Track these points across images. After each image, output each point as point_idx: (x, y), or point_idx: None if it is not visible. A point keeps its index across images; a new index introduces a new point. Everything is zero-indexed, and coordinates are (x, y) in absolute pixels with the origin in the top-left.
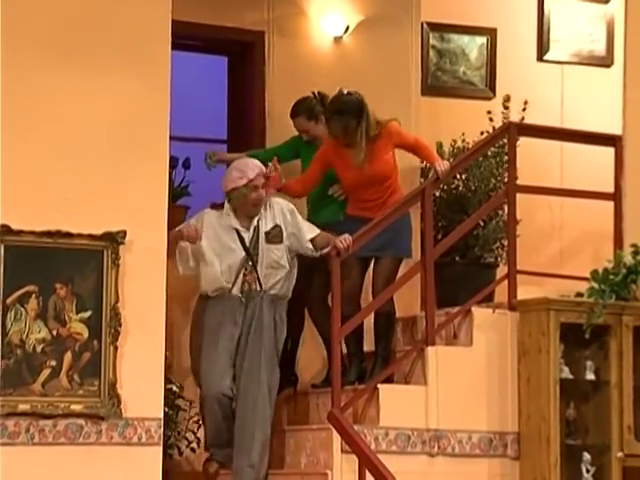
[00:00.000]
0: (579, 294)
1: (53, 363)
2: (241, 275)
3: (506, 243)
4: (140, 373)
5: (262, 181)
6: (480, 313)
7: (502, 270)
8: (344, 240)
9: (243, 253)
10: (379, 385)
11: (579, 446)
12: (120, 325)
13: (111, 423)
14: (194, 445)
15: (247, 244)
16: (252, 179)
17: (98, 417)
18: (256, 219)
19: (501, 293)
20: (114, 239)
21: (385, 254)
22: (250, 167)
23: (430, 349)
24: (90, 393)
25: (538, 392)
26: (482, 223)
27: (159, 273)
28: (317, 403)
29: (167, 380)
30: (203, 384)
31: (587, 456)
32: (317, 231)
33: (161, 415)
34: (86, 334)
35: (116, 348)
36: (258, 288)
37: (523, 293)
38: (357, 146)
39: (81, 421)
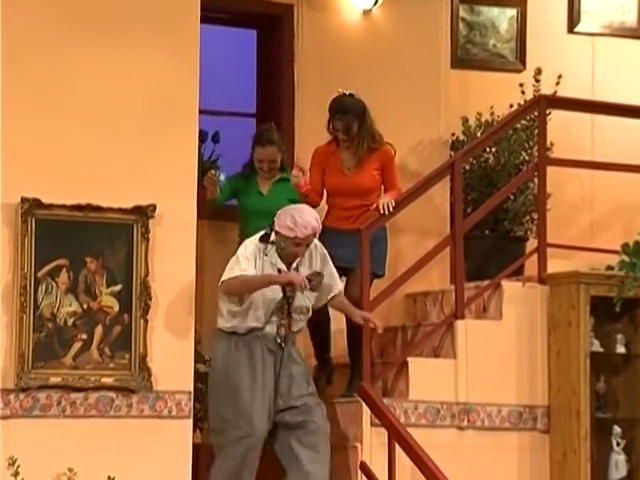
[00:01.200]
0: (609, 267)
1: (84, 336)
2: (275, 317)
3: (536, 216)
4: (170, 346)
5: (310, 241)
6: (510, 287)
7: (532, 243)
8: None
9: (280, 294)
10: (409, 358)
11: (609, 419)
12: (150, 299)
13: (142, 396)
14: None
15: (286, 287)
16: (301, 239)
17: (129, 390)
18: (295, 262)
19: (531, 266)
20: (144, 213)
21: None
22: (304, 226)
23: (459, 323)
24: (121, 366)
25: (568, 365)
26: (512, 196)
27: (189, 247)
28: (346, 377)
29: (197, 353)
30: (234, 427)
31: (617, 429)
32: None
33: (191, 388)
34: (116, 307)
35: (146, 321)
36: (287, 331)
37: (553, 266)
38: (353, 149)
39: (112, 394)
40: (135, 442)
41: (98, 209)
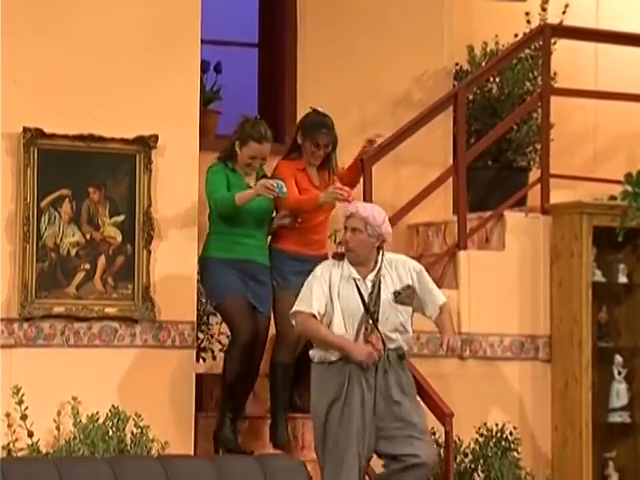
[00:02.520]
0: (612, 197)
1: (87, 266)
2: (362, 335)
3: (539, 147)
4: (173, 277)
5: (354, 225)
6: (512, 217)
7: (535, 174)
8: None
9: (362, 310)
10: None
11: (611, 348)
12: (153, 229)
13: (145, 326)
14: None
15: (366, 299)
16: (345, 217)
17: (132, 320)
18: (374, 273)
19: (534, 197)
20: (146, 143)
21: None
22: (348, 206)
23: (462, 253)
24: (124, 296)
25: (570, 295)
26: (515, 127)
27: (191, 177)
28: None
29: (200, 284)
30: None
31: (619, 358)
32: (443, 298)
33: (194, 318)
34: (119, 238)
35: (149, 252)
36: (381, 346)
37: (556, 197)
38: (321, 168)
39: (115, 324)
40: (139, 372)
41: (100, 139)
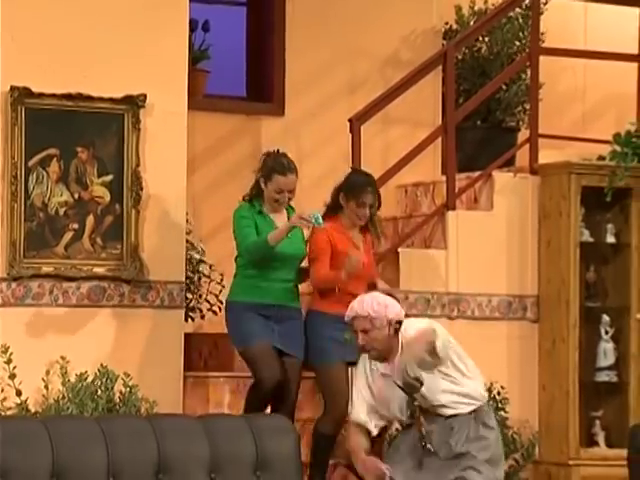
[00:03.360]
0: (601, 157)
1: (75, 226)
2: (409, 413)
3: (528, 107)
4: (162, 237)
5: (362, 326)
6: (501, 177)
7: (524, 134)
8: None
9: (403, 395)
10: (399, 249)
11: (598, 308)
12: (142, 189)
13: (134, 286)
14: (215, 309)
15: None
16: (350, 320)
17: (121, 280)
18: (396, 360)
19: (522, 157)
20: (134, 102)
21: None
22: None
23: (451, 213)
24: (113, 256)
25: (558, 255)
26: (504, 86)
27: (180, 137)
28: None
29: (189, 244)
30: None
31: (606, 318)
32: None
33: (183, 278)
34: (108, 198)
35: (138, 212)
36: (423, 429)
37: (545, 157)
38: (367, 228)
39: (104, 284)
40: (127, 331)
41: (88, 98)
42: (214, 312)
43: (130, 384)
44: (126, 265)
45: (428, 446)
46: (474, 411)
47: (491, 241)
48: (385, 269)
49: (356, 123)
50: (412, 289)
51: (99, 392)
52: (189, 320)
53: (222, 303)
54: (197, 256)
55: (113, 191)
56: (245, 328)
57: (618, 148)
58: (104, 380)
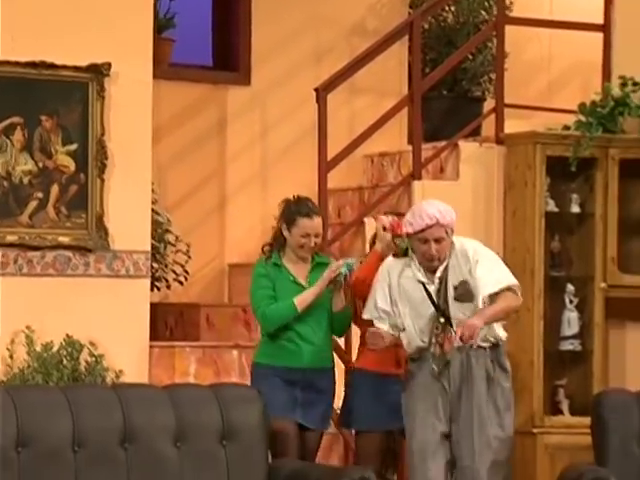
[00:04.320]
0: (566, 127)
1: (40, 195)
2: (433, 334)
3: (494, 76)
4: (127, 206)
5: (438, 235)
6: (467, 147)
7: (490, 104)
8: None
9: (431, 309)
10: (365, 219)
11: (563, 277)
12: (106, 158)
13: (99, 255)
14: (181, 279)
15: (435, 298)
16: (420, 231)
17: (86, 249)
18: (442, 268)
19: (488, 127)
20: (99, 71)
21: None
22: (419, 215)
23: (417, 183)
24: (77, 225)
25: (523, 225)
26: (470, 56)
27: (145, 106)
28: None
29: (154, 213)
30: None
31: (570, 287)
32: (502, 284)
33: (149, 248)
34: (72, 167)
35: (103, 181)
36: (448, 347)
37: (510, 127)
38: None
39: (69, 253)
40: (93, 301)
41: (52, 67)
42: (180, 282)
43: (96, 354)
44: (91, 234)
45: (444, 384)
46: (492, 348)
47: (457, 211)
48: (351, 239)
49: (322, 92)
50: None
51: (64, 362)
52: (155, 290)
53: (188, 273)
54: (162, 222)
55: (78, 160)
56: (266, 398)
57: (583, 118)
58: (69, 350)
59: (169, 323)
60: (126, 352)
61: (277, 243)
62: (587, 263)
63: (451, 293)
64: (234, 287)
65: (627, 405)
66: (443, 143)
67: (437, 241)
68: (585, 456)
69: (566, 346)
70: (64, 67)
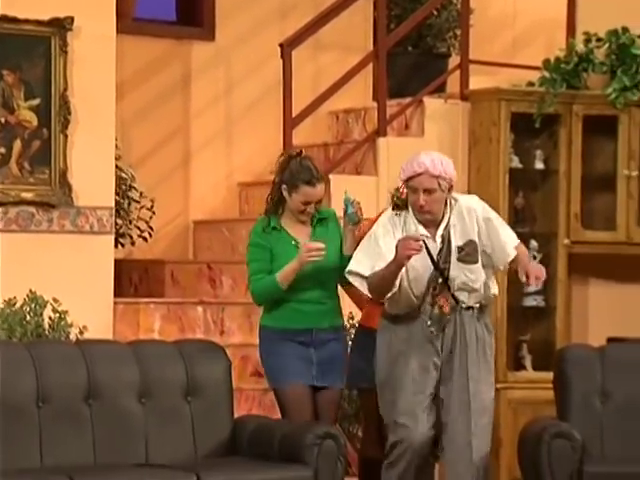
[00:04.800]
0: (530, 83)
1: (2, 150)
2: (429, 295)
3: (459, 33)
4: (91, 162)
5: (428, 185)
6: (432, 103)
7: (455, 60)
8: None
9: (431, 268)
10: (330, 175)
11: (527, 234)
12: (70, 113)
13: (62, 211)
14: (146, 235)
15: (435, 257)
16: (407, 178)
17: (49, 205)
18: (443, 226)
19: (453, 83)
20: (62, 25)
21: None
22: (410, 163)
23: (381, 140)
24: (41, 181)
25: (488, 181)
26: (436, 12)
27: (109, 61)
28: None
29: (118, 169)
30: (392, 429)
31: (534, 243)
32: (513, 243)
33: (112, 204)
34: (35, 122)
35: (66, 136)
36: (454, 304)
37: (475, 83)
38: None
39: (32, 209)
40: (57, 257)
41: (14, 21)
42: (144, 239)
43: (59, 310)
44: (54, 190)
45: (437, 346)
46: (480, 309)
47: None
48: None
49: (287, 48)
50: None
51: (28, 318)
52: (119, 246)
53: (152, 229)
54: (126, 179)
55: (40, 115)
56: (277, 364)
57: (547, 74)
58: (33, 306)
59: (133, 280)
60: (90, 308)
61: (276, 203)
62: (550, 219)
63: (454, 253)
64: (199, 244)
65: (589, 360)
66: (408, 100)
67: (427, 192)
68: (548, 411)
69: (529, 302)
70: (26, 21)
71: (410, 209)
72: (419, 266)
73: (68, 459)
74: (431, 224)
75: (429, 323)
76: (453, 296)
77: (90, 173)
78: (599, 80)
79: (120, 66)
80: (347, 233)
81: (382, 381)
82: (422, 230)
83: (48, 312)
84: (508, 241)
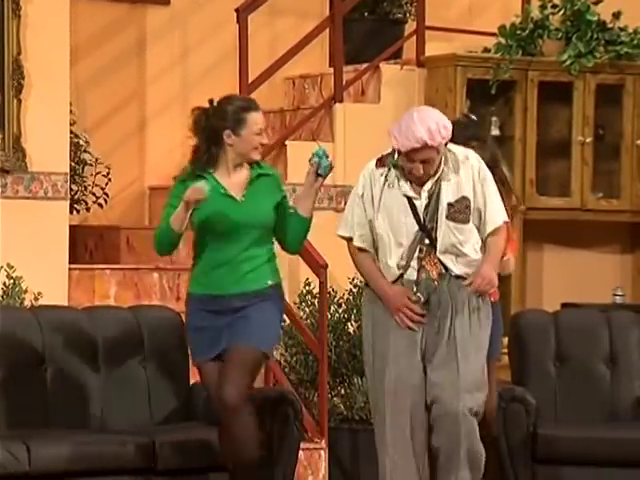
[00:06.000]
0: (486, 50)
1: None
2: (415, 258)
3: None
4: (45, 127)
5: (426, 156)
6: (388, 70)
7: (411, 26)
8: None
9: (416, 228)
10: (287, 142)
11: None
12: (23, 78)
13: (16, 177)
14: (101, 201)
15: (421, 216)
16: (404, 152)
17: (3, 171)
18: (432, 182)
19: (409, 49)
20: None
21: None
22: (406, 136)
23: (338, 106)
24: None
25: None
26: None
27: (62, 24)
28: None
29: (73, 135)
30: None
31: None
32: (499, 219)
33: (67, 170)
34: None
35: (20, 101)
36: (442, 271)
37: (431, 49)
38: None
39: None
40: (10, 223)
41: None
42: (100, 205)
43: (14, 276)
44: (8, 156)
45: (424, 317)
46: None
47: (378, 134)
48: (273, 161)
49: (243, 13)
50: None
51: None
52: (74, 212)
53: (107, 195)
54: (81, 144)
55: None
56: (190, 337)
57: (503, 40)
58: None
59: (89, 246)
60: (45, 275)
61: (208, 160)
62: None
63: (443, 210)
64: (154, 210)
65: (544, 326)
66: (364, 66)
67: (424, 162)
68: (502, 375)
69: None
70: None
71: (396, 167)
72: (404, 230)
73: (23, 425)
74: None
75: (415, 289)
76: (441, 262)
77: (44, 138)
78: (554, 46)
79: (74, 30)
80: (311, 192)
81: (367, 356)
82: (408, 189)
83: (2, 278)
84: (497, 210)
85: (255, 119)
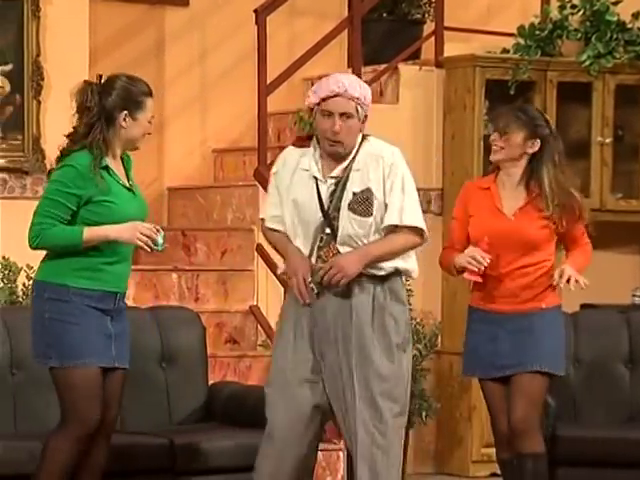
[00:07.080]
0: (505, 50)
1: None
2: (315, 248)
3: None
4: (64, 128)
5: (345, 108)
6: (407, 70)
7: (429, 26)
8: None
9: (319, 215)
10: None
11: None
12: (43, 79)
13: (35, 178)
14: None
15: (325, 203)
16: (322, 99)
17: (22, 171)
18: (341, 167)
19: (428, 50)
20: None
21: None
22: (325, 82)
23: None
24: (14, 147)
25: (462, 149)
26: None
27: (81, 26)
28: (244, 160)
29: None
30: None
31: None
32: (414, 219)
33: None
34: (8, 88)
35: (39, 102)
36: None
37: (450, 50)
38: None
39: (5, 175)
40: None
41: None
42: None
43: (33, 276)
44: (27, 156)
45: (314, 310)
46: (388, 276)
47: (396, 134)
48: None
49: (261, 14)
50: None
51: (1, 284)
52: None
53: None
54: None
55: (13, 81)
56: (71, 336)
57: (522, 41)
58: (6, 272)
59: None
60: None
61: (98, 141)
62: None
63: (347, 200)
64: (173, 211)
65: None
66: (383, 66)
67: (343, 116)
68: None
69: None
70: None
71: (315, 144)
72: (308, 216)
73: (41, 425)
74: (333, 163)
75: (309, 280)
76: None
77: (64, 139)
78: (573, 47)
79: (93, 31)
80: (132, 232)
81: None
82: (316, 171)
83: (22, 279)
84: (407, 210)
85: (151, 106)
